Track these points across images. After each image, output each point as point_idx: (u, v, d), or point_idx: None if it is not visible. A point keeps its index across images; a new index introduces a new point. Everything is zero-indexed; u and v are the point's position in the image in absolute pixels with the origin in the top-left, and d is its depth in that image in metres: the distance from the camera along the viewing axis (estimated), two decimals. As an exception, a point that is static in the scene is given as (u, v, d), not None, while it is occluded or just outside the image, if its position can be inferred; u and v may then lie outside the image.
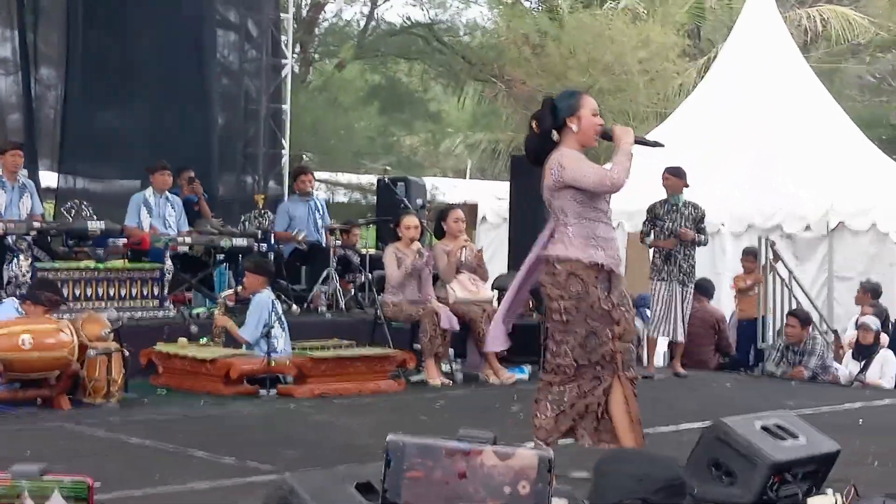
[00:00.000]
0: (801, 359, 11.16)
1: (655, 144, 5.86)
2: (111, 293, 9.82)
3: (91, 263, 9.94)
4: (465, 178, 27.08)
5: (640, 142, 5.73)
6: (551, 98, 5.75)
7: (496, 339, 5.92)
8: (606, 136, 5.69)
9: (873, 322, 11.20)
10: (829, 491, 5.35)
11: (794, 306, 12.37)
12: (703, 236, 10.96)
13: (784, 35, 17.15)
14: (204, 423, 7.53)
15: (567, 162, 5.51)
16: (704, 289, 12.37)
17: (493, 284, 11.21)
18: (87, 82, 13.13)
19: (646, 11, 23.90)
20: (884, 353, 11.13)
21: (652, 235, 10.87)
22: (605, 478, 4.61)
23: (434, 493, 2.17)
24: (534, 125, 5.67)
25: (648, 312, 11.91)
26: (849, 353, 11.44)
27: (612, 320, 5.53)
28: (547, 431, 5.50)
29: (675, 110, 18.18)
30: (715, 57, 20.01)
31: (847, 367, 11.22)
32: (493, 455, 2.21)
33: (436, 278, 10.42)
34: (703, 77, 19.31)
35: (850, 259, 13.49)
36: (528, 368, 10.52)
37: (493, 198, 16.44)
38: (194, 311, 10.29)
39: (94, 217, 11.34)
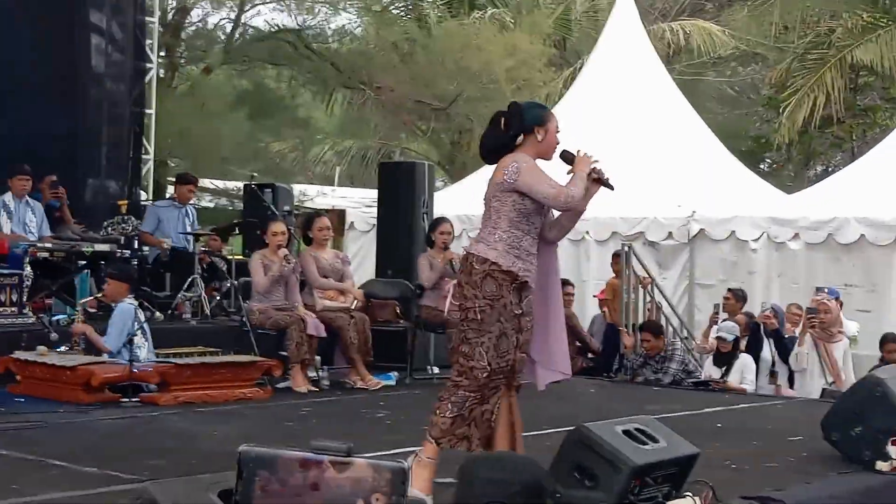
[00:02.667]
0: (664, 365, 11.37)
1: (609, 185, 5.88)
2: (-32, 300, 9.57)
3: (-53, 269, 9.69)
4: (333, 184, 27.00)
5: (597, 178, 5.80)
6: (518, 103, 5.86)
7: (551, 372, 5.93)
8: (567, 158, 5.86)
9: (728, 331, 11.45)
10: (688, 494, 5.47)
11: (655, 313, 12.61)
12: None
13: (647, 47, 17.51)
14: (64, 432, 7.37)
15: (526, 168, 5.61)
16: None
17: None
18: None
19: (513, 21, 24.13)
20: (743, 358, 11.38)
21: None
22: (466, 482, 4.64)
23: (285, 504, 2.17)
24: (502, 122, 5.75)
25: None
26: (710, 358, 11.68)
27: (520, 327, 5.62)
28: (441, 431, 5.52)
29: (541, 119, 18.37)
30: (581, 68, 20.31)
31: (708, 373, 11.45)
32: (337, 466, 2.20)
33: (303, 285, 10.37)
34: (569, 87, 19.57)
35: (710, 267, 13.81)
36: (394, 375, 10.54)
37: (361, 205, 16.44)
38: (54, 319, 10.08)
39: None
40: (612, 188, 5.86)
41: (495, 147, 5.77)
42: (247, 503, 2.14)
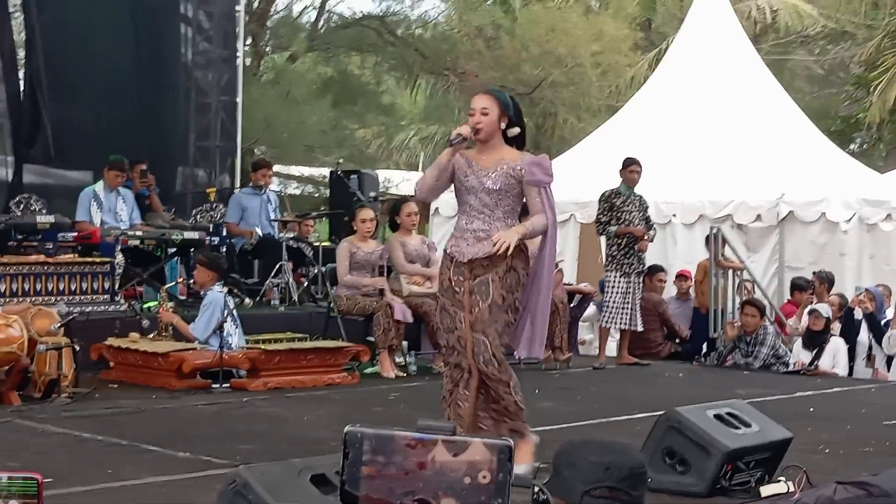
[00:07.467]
0: (754, 349, 11.24)
1: (449, 142, 5.82)
2: (61, 288, 9.70)
3: (40, 258, 9.83)
4: (417, 170, 27.05)
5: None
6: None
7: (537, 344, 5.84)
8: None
9: (824, 309, 11.30)
10: (782, 479, 5.40)
11: (743, 297, 12.48)
12: (653, 231, 11.18)
13: (735, 27, 17.28)
14: (156, 418, 7.46)
15: None
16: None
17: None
18: (40, 74, 13.00)
19: (598, 4, 23.99)
20: (835, 342, 11.23)
21: (612, 226, 10.85)
22: (571, 468, 4.61)
23: (393, 485, 2.17)
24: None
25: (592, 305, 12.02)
26: (799, 341, 11.53)
27: (462, 305, 5.64)
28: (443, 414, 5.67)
29: (626, 103, 18.27)
30: (666, 49, 20.11)
31: (798, 357, 11.31)
32: (451, 446, 2.20)
33: (390, 270, 10.40)
34: (654, 69, 19.40)
35: (800, 249, 13.62)
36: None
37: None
38: (145, 306, 10.22)
39: (44, 211, 11.23)
40: (450, 143, 5.77)
41: None
42: (354, 483, 2.14)
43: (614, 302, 10.87)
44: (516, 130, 5.78)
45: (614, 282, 10.86)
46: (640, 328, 11.10)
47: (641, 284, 11.20)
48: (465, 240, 5.70)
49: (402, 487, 2.35)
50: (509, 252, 5.53)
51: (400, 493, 2.37)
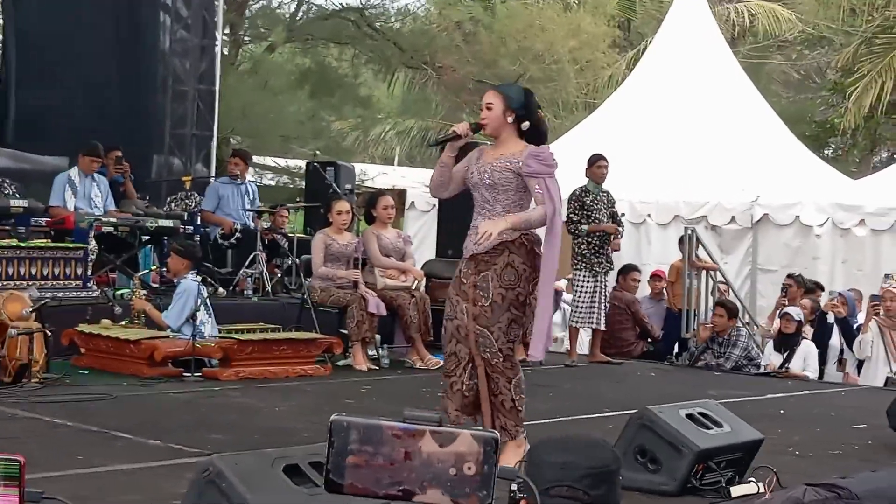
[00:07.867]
0: (726, 350, 11.28)
1: (429, 143, 6.23)
2: (33, 272, 9.63)
3: (13, 242, 9.76)
4: (393, 164, 27.01)
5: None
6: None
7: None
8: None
9: (796, 312, 11.35)
10: (752, 479, 5.43)
11: (716, 298, 12.52)
12: (621, 227, 11.21)
13: (713, 30, 17.36)
14: (127, 405, 7.43)
15: None
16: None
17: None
18: (16, 60, 12.91)
19: (576, 2, 24.01)
20: (806, 345, 11.27)
21: (584, 225, 10.84)
22: (534, 466, 4.61)
23: (379, 475, 2.17)
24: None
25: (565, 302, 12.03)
26: (770, 344, 11.58)
27: (467, 297, 5.67)
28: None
29: (604, 101, 18.30)
30: (645, 50, 20.16)
31: (769, 359, 11.35)
32: (438, 437, 2.20)
33: (364, 263, 10.39)
34: (632, 69, 19.44)
35: (773, 252, 13.67)
36: (454, 355, 10.50)
37: (421, 184, 16.41)
38: (118, 292, 10.16)
39: (18, 195, 11.16)
40: (430, 144, 6.21)
41: None
42: (339, 472, 2.13)
43: (583, 301, 10.88)
44: (526, 124, 5.74)
45: (583, 281, 10.87)
46: (603, 327, 11.09)
47: (608, 283, 11.23)
48: (470, 236, 5.74)
49: (388, 478, 2.34)
50: (490, 240, 5.53)
51: (386, 483, 2.36)
